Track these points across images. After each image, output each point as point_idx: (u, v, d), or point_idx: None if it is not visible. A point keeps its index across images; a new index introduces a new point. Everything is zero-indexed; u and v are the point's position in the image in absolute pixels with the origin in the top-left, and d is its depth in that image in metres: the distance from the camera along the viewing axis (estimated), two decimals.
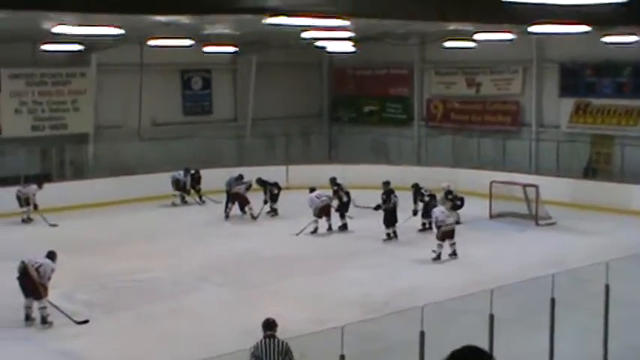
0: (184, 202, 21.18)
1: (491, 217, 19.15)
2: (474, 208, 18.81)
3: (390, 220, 16.78)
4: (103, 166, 22.28)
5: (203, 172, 21.59)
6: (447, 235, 15.09)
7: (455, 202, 18.32)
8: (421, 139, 25.76)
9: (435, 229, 15.36)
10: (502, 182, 19.35)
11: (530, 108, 23.12)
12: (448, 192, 18.40)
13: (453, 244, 15.13)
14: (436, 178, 19.39)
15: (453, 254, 15.11)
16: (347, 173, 22.15)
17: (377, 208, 17.07)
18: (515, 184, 19.32)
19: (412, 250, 16.10)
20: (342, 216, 17.95)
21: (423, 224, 17.75)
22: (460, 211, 18.39)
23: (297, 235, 17.31)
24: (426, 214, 17.71)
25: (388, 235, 16.76)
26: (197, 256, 15.58)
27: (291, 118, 26.38)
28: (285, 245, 16.61)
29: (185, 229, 18.20)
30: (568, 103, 22.13)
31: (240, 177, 19.81)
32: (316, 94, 28.06)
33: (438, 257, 14.98)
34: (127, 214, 19.80)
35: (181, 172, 21.08)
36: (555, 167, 21.84)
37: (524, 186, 19.07)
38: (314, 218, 17.52)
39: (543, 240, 16.95)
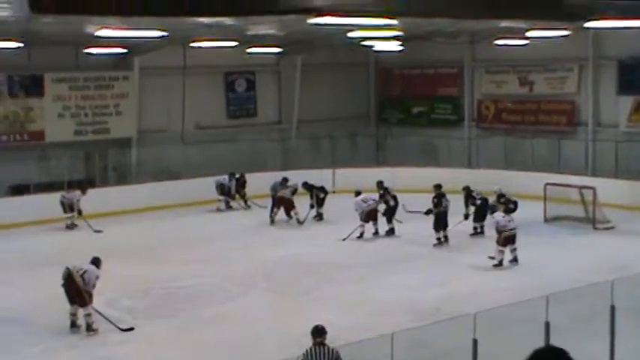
0: (229, 207, 21.35)
1: (546, 220, 18.93)
2: (527, 212, 18.59)
3: (441, 224, 16.73)
4: (146, 171, 22.58)
5: (248, 177, 21.73)
6: (508, 240, 14.96)
7: (508, 205, 18.12)
8: (472, 140, 25.57)
9: (496, 235, 15.14)
10: (557, 184, 19.14)
11: (586, 107, 22.78)
12: (500, 195, 18.26)
13: (514, 249, 15.02)
14: (487, 180, 19.25)
15: (514, 260, 15.00)
16: (395, 176, 22.11)
17: (428, 212, 17.02)
18: (571, 186, 19.07)
19: (463, 255, 16.00)
20: (389, 220, 17.92)
21: (475, 228, 17.64)
22: (513, 215, 18.18)
23: (343, 240, 17.32)
24: (478, 217, 17.63)
25: (439, 239, 16.70)
26: (242, 262, 15.68)
27: (336, 120, 26.42)
28: (331, 250, 16.65)
29: (230, 235, 18.34)
30: (627, 101, 21.74)
31: (285, 180, 19.92)
32: (363, 95, 28.05)
33: (499, 264, 14.83)
34: (171, 220, 20.05)
35: (226, 177, 21.26)
36: (613, 168, 21.46)
37: (581, 188, 18.81)
38: (360, 223, 17.53)
39: (601, 244, 16.71)
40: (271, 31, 18.43)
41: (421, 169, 23.64)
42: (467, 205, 17.83)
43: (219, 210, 21.12)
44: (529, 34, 18.49)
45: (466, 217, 17.65)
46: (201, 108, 24.08)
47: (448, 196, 17.18)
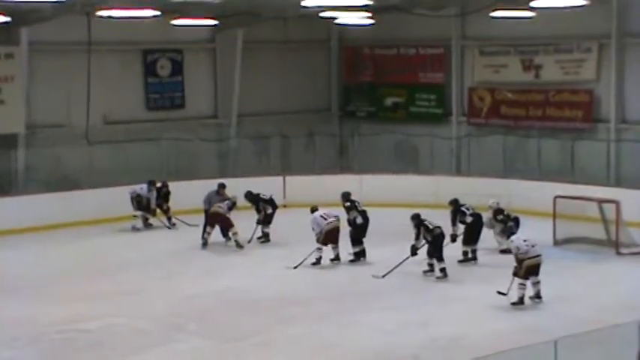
0: (148, 224, 21.21)
1: (556, 243, 19.09)
2: (532, 232, 18.39)
3: (438, 247, 16.73)
4: (37, 178, 22.37)
5: (173, 186, 21.61)
6: (531, 270, 14.84)
7: (506, 224, 18.29)
8: (461, 140, 25.77)
9: (514, 264, 14.99)
10: (570, 197, 19.28)
11: (608, 98, 23.11)
12: (498, 211, 18.39)
13: (537, 282, 14.95)
14: (481, 192, 19.42)
15: (537, 297, 14.93)
16: (363, 186, 22.19)
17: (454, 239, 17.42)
18: (588, 199, 19.25)
19: (451, 287, 16.05)
20: (357, 242, 17.95)
21: (465, 253, 17.74)
22: (503, 237, 18.38)
23: (295, 267, 17.32)
24: (469, 239, 17.74)
25: (431, 266, 16.73)
26: (165, 298, 15.57)
27: (289, 114, 26.46)
28: (281, 282, 16.59)
29: (149, 261, 18.19)
30: None
31: (222, 186, 19.87)
32: (322, 81, 28.13)
33: (520, 302, 14.71)
34: (71, 242, 19.80)
35: (144, 186, 21.12)
36: None
37: (600, 202, 19.01)
38: (317, 246, 17.54)
39: (627, 274, 16.86)
40: None
41: (396, 176, 23.79)
42: (455, 224, 17.95)
43: (135, 229, 20.96)
44: (534, 3, 18.69)
45: (454, 238, 17.75)
46: (111, 97, 23.94)
47: (430, 212, 17.27)
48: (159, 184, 21.39)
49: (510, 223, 18.32)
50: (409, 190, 22.51)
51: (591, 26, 22.80)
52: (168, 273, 17.29)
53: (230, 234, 19.26)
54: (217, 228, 19.40)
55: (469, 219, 17.76)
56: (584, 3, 18.55)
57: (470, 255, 17.77)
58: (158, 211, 21.34)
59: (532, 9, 19.81)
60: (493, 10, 21.06)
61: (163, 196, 21.36)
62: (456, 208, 18.04)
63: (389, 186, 23.20)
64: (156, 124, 24.49)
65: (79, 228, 20.75)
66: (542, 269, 16.75)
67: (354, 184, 22.39)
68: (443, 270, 16.56)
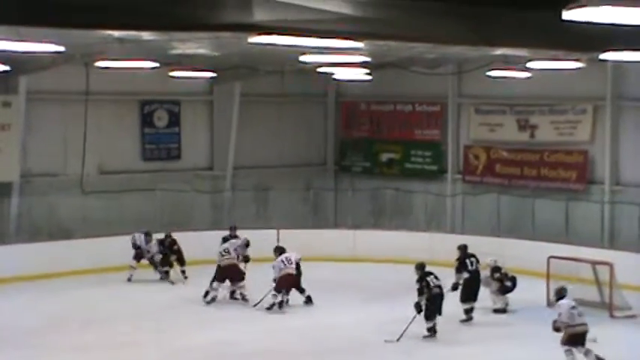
0: (165, 276, 20.91)
1: (550, 304, 18.93)
2: (527, 293, 18.68)
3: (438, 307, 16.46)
4: (31, 228, 22.26)
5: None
6: (576, 339, 14.35)
7: (504, 282, 18.23)
8: (456, 198, 25.73)
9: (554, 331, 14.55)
10: (564, 258, 19.20)
11: (602, 160, 23.10)
12: (495, 269, 18.36)
13: (588, 352, 14.37)
14: (476, 250, 19.24)
15: None
16: (357, 241, 22.11)
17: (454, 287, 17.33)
18: (581, 260, 19.16)
19: (441, 347, 15.92)
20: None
21: (466, 312, 17.66)
22: (511, 296, 18.26)
23: (254, 306, 17.81)
24: (467, 295, 17.64)
25: (430, 330, 16.35)
26: (154, 350, 15.52)
27: (285, 167, 26.45)
28: (272, 336, 16.49)
29: (140, 313, 18.13)
30: None
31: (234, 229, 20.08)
32: (319, 135, 28.15)
33: None
34: (62, 292, 19.67)
35: (141, 236, 20.94)
36: (636, 240, 21.71)
37: (595, 264, 18.91)
38: (272, 292, 17.84)
39: (621, 338, 16.72)
40: (202, 51, 18.40)
41: (391, 232, 23.71)
42: (459, 271, 17.85)
43: (130, 280, 20.79)
44: (531, 64, 18.76)
45: (455, 287, 17.63)
46: (107, 147, 23.90)
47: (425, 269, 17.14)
48: (164, 235, 21.05)
49: (508, 283, 18.31)
50: (403, 246, 22.40)
51: (586, 88, 22.87)
52: (159, 325, 17.17)
53: (238, 291, 19.04)
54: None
55: (466, 275, 17.72)
56: (580, 65, 18.65)
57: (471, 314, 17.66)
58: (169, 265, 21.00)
59: (528, 69, 19.87)
60: (489, 70, 21.15)
61: (169, 247, 21.05)
62: (463, 257, 17.95)
63: (383, 242, 23.13)
64: (151, 175, 24.43)
65: (72, 278, 20.60)
66: (535, 331, 16.69)
67: (348, 240, 22.40)
68: (430, 329, 16.38)
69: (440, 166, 26.28)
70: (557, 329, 14.49)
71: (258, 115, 26.15)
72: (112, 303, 19.05)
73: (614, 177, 22.95)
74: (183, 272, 20.93)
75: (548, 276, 19.08)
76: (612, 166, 22.91)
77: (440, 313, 16.46)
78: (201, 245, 21.04)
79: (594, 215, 22.75)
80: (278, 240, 22.44)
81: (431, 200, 25.73)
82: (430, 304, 16.39)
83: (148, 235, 21.02)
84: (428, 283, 16.41)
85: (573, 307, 14.57)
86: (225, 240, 19.87)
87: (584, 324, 14.52)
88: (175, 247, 21.05)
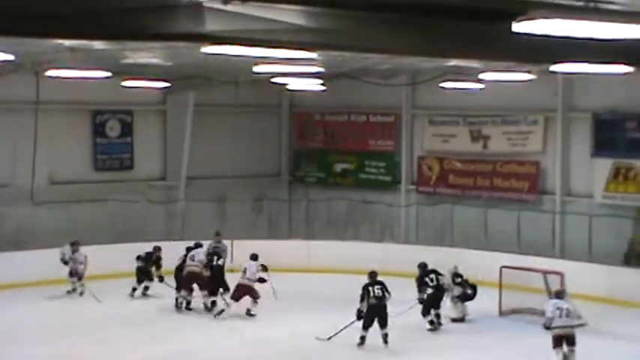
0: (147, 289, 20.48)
1: (502, 314, 19.12)
2: (479, 303, 18.77)
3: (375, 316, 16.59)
4: None
5: (119, 248, 21.42)
6: (556, 341, 14.73)
7: (465, 289, 18.43)
8: (410, 208, 25.83)
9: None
10: (516, 268, 19.37)
11: (553, 171, 23.35)
12: (455, 275, 18.59)
13: (571, 351, 14.73)
14: (429, 260, 19.30)
15: None
16: (311, 252, 22.11)
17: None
18: (533, 270, 19.32)
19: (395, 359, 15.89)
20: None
21: (431, 322, 17.83)
22: (470, 304, 18.48)
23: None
24: (427, 310, 17.82)
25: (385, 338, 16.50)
26: None
27: (239, 178, 26.38)
28: (225, 348, 16.36)
29: (90, 326, 17.90)
30: (604, 166, 22.37)
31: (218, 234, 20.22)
32: (273, 146, 28.15)
33: None
34: (12, 304, 19.42)
35: (67, 247, 20.38)
36: (587, 250, 21.94)
37: (545, 273, 19.07)
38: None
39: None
40: (155, 60, 18.32)
41: (345, 243, 23.74)
42: (420, 290, 17.98)
43: (69, 292, 20.40)
44: (483, 76, 18.92)
45: (421, 301, 17.85)
46: (58, 157, 23.70)
47: (379, 279, 17.18)
48: (150, 250, 20.52)
49: (469, 291, 18.53)
50: (357, 256, 22.41)
51: (538, 100, 23.12)
52: (112, 337, 17.02)
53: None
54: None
55: (430, 291, 17.84)
56: (531, 77, 18.86)
57: (436, 321, 17.82)
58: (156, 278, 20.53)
59: (481, 81, 20.05)
60: (443, 81, 21.29)
61: (155, 260, 20.48)
62: (422, 275, 18.07)
63: (337, 252, 23.14)
64: (103, 185, 24.24)
65: (22, 289, 20.29)
66: (487, 341, 16.83)
67: (301, 250, 22.37)
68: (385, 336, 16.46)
69: (394, 177, 26.38)
70: (546, 327, 14.83)
71: (212, 126, 26.09)
72: (64, 315, 18.87)
73: (565, 187, 23.20)
74: (160, 279, 20.46)
75: (500, 286, 19.22)
76: (563, 176, 23.16)
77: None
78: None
79: (546, 225, 22.97)
80: (232, 250, 22.40)
81: (385, 211, 25.80)
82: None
83: (74, 245, 20.42)
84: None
85: (558, 308, 14.79)
86: (189, 250, 19.74)
87: (565, 327, 14.75)
88: (160, 262, 20.46)
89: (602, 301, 19.58)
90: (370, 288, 16.51)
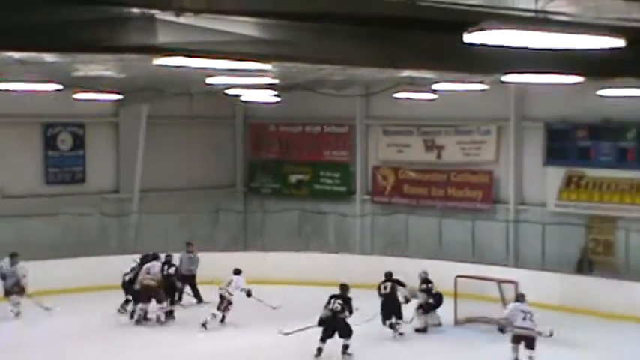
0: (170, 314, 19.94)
1: (457, 322, 19.22)
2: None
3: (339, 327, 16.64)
4: None
5: (71, 262, 21.23)
6: (516, 339, 15.52)
7: (428, 298, 18.57)
8: (365, 219, 25.88)
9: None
10: (471, 277, 19.51)
11: (506, 180, 23.54)
12: (424, 280, 18.91)
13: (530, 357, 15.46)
14: (385, 270, 19.35)
15: None
16: (267, 263, 22.07)
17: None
18: (488, 279, 19.46)
19: None
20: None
21: (391, 326, 18.00)
22: (419, 315, 18.62)
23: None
24: (384, 317, 18.03)
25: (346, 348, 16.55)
26: None
27: (193, 190, 26.27)
28: None
29: (34, 344, 17.66)
30: (556, 174, 22.62)
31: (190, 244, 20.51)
32: (228, 157, 28.08)
33: None
34: None
35: (6, 259, 19.78)
36: (540, 258, 22.14)
37: (500, 282, 19.23)
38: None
39: (524, 353, 16.98)
40: (107, 73, 18.17)
41: (300, 254, 23.71)
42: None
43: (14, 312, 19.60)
44: (436, 86, 19.04)
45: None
46: (9, 170, 23.45)
47: (335, 290, 17.20)
48: (162, 259, 20.08)
49: (430, 300, 18.72)
50: (313, 267, 22.43)
51: (490, 109, 23.33)
52: (61, 352, 16.96)
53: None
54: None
55: (380, 299, 18.10)
56: (484, 87, 19.00)
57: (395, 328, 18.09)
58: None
59: (434, 91, 20.16)
60: (396, 91, 21.37)
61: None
62: (383, 281, 18.41)
63: (293, 263, 23.11)
64: (55, 199, 23.96)
65: None
66: (442, 349, 16.91)
67: (258, 261, 22.28)
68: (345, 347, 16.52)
69: (349, 188, 26.43)
70: (500, 328, 15.64)
71: (166, 137, 25.97)
72: (17, 330, 18.65)
73: (518, 196, 23.41)
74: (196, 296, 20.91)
75: (455, 295, 19.32)
76: (516, 185, 23.37)
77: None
78: (111, 269, 20.76)
79: (499, 234, 23.16)
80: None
81: (340, 221, 25.83)
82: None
83: (13, 257, 19.81)
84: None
85: (522, 311, 15.46)
86: (144, 259, 19.67)
87: (527, 328, 15.33)
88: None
89: (555, 308, 19.73)
90: (332, 300, 16.62)
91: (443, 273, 20.16)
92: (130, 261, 20.13)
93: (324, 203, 26.41)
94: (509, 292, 18.90)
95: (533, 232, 22.50)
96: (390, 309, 18.19)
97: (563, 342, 17.48)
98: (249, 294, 18.83)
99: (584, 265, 21.72)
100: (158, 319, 19.05)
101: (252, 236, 26.98)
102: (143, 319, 19.10)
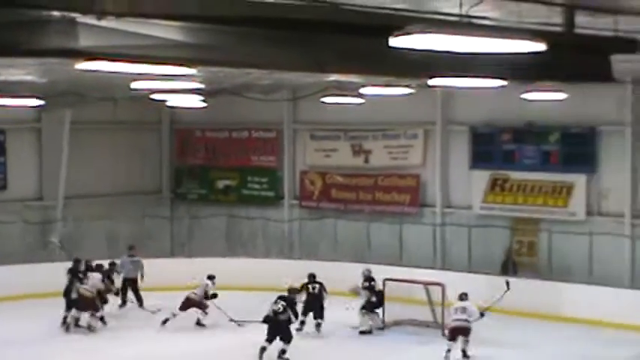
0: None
1: (386, 325, 19.27)
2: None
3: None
4: None
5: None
6: (450, 332, 16.67)
7: (370, 297, 18.63)
8: (294, 223, 25.85)
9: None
10: (399, 280, 19.59)
11: (433, 183, 23.73)
12: (367, 278, 19.03)
13: (465, 342, 16.68)
14: (316, 274, 19.34)
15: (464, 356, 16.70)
16: (195, 269, 21.90)
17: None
18: (415, 282, 19.58)
19: None
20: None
21: (302, 323, 18.16)
22: (347, 318, 18.65)
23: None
24: (305, 310, 18.31)
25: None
26: None
27: (119, 196, 25.95)
28: None
29: None
30: (481, 177, 22.88)
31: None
32: (154, 163, 27.82)
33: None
34: None
35: None
36: (466, 260, 22.36)
37: (427, 285, 19.35)
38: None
39: (451, 355, 17.14)
40: (28, 77, 17.87)
41: (228, 259, 23.58)
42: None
43: None
44: (364, 91, 19.10)
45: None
46: None
47: (266, 294, 17.25)
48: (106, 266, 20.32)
49: (373, 298, 18.83)
50: (241, 273, 22.30)
51: (418, 113, 23.49)
52: None
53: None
54: None
55: (304, 296, 18.32)
56: (411, 91, 19.12)
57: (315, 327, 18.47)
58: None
59: (361, 96, 20.22)
60: (324, 96, 21.39)
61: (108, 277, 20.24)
62: (305, 284, 18.76)
63: (220, 269, 22.85)
64: None
65: None
66: (371, 352, 16.97)
67: (185, 267, 22.06)
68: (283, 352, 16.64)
69: (277, 192, 26.39)
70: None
71: (90, 143, 25.60)
72: None
73: (444, 200, 23.61)
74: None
75: (383, 298, 19.36)
76: (443, 189, 23.57)
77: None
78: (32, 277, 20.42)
79: (427, 237, 23.33)
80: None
81: (268, 226, 25.76)
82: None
83: None
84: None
85: (455, 308, 16.97)
86: (73, 272, 19.49)
87: (459, 320, 16.69)
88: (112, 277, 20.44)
89: (481, 310, 19.91)
90: (278, 300, 16.84)
91: (360, 276, 20.25)
92: (58, 269, 19.83)
93: (252, 208, 26.33)
94: (437, 294, 19.06)
95: (459, 234, 22.73)
96: (313, 308, 18.52)
97: (488, 342, 17.71)
98: (213, 296, 19.11)
99: (509, 267, 21.97)
100: (89, 327, 18.89)
101: (179, 242, 26.74)
102: (74, 326, 18.94)
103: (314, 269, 19.86)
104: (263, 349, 16.50)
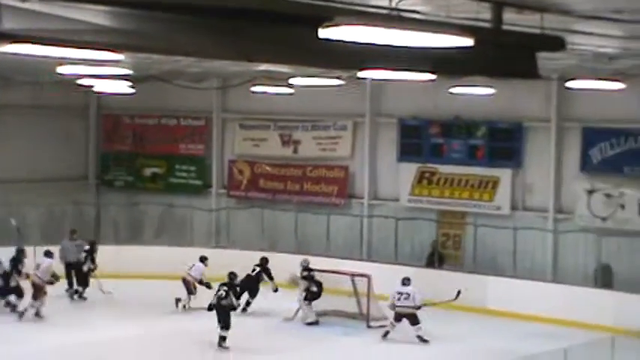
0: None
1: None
2: (289, 305, 18.90)
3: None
4: None
5: None
6: (397, 317, 17.43)
7: (310, 286, 18.66)
8: (221, 212, 25.75)
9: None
10: (325, 271, 19.59)
11: (361, 175, 23.84)
12: (305, 269, 19.15)
13: (417, 328, 17.43)
14: (236, 263, 19.32)
15: (421, 340, 17.42)
16: (121, 257, 21.76)
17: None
18: (341, 273, 19.65)
19: None
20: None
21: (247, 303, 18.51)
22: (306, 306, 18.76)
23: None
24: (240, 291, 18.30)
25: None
26: None
27: (43, 182, 25.49)
28: None
29: None
30: (409, 170, 23.05)
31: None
32: (80, 149, 27.45)
33: (385, 335, 17.49)
34: None
35: None
36: (392, 252, 22.51)
37: (353, 276, 19.44)
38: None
39: (376, 347, 17.31)
40: None
41: (154, 247, 23.41)
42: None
43: None
44: (294, 81, 19.09)
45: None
46: None
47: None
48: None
49: (314, 288, 18.85)
50: (167, 261, 22.11)
51: (347, 105, 23.55)
52: None
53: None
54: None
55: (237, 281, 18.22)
56: (341, 83, 19.17)
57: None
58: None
59: (291, 86, 20.21)
60: (253, 85, 21.33)
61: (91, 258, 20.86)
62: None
63: (147, 257, 22.77)
64: None
65: None
66: (296, 343, 17.03)
67: (110, 255, 21.85)
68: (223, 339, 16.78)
69: (205, 181, 26.26)
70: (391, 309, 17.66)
71: (14, 127, 25.10)
72: None
73: (372, 191, 23.74)
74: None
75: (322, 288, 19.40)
76: (371, 180, 23.69)
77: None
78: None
79: (354, 229, 23.43)
80: (35, 256, 21.62)
81: (196, 215, 25.60)
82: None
83: None
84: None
85: (399, 293, 17.57)
86: (14, 260, 19.41)
87: (405, 306, 17.40)
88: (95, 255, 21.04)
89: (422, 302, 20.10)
90: (220, 287, 17.07)
91: (298, 266, 20.27)
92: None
93: (179, 197, 26.15)
94: (362, 286, 19.15)
95: (386, 226, 22.86)
96: (246, 288, 19.03)
97: (412, 334, 17.82)
98: (207, 286, 19.13)
99: (435, 259, 22.17)
100: (37, 314, 18.81)
101: (105, 230, 26.43)
102: (11, 311, 18.90)
103: (241, 259, 19.84)
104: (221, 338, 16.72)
